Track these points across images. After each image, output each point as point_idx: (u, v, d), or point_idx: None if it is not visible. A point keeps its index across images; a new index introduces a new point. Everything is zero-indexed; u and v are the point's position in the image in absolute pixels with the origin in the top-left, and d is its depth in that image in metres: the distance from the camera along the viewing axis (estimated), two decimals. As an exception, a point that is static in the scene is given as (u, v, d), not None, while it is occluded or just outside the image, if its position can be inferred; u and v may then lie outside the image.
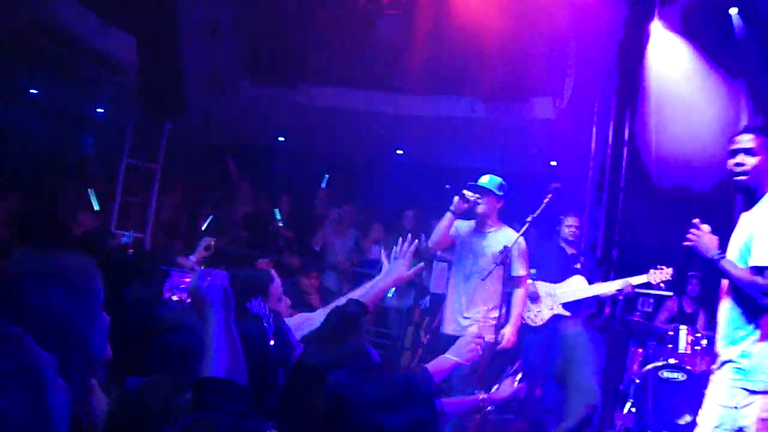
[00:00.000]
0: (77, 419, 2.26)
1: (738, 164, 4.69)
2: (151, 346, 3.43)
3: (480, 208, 7.48)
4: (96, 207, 10.57)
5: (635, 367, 9.87)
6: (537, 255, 9.10)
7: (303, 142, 13.98)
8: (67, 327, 2.23)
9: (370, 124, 12.32)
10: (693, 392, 8.77)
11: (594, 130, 11.13)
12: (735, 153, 4.72)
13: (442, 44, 11.34)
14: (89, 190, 10.77)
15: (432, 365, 4.02)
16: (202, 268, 5.49)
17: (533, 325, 8.68)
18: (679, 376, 8.95)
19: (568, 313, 8.61)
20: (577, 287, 8.69)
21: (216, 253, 7.72)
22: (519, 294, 7.65)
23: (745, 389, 4.57)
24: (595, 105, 11.13)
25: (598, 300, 9.15)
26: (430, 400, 2.14)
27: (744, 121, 10.50)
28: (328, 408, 2.18)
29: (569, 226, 8.93)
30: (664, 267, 8.34)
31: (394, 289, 10.91)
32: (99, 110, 13.23)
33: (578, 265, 8.80)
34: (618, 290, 8.53)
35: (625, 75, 11.03)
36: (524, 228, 7.42)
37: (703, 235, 4.74)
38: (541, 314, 8.68)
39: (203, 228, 11.44)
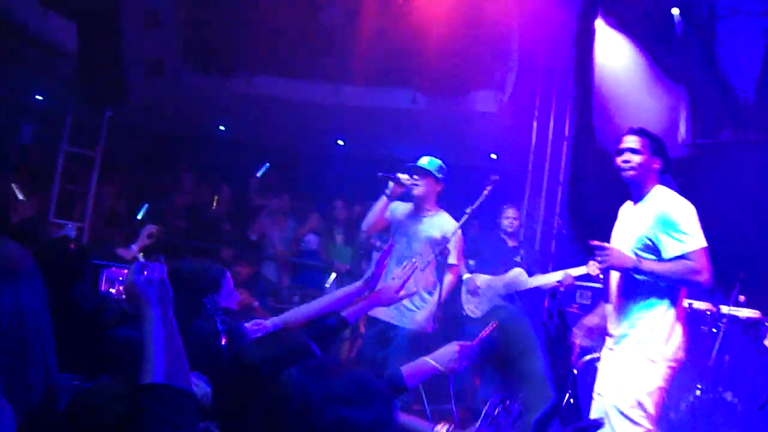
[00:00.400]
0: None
1: (625, 161, 5.16)
2: (93, 345, 3.31)
3: (417, 190, 7.31)
4: (20, 196, 10.33)
5: (573, 358, 9.98)
6: (477, 247, 9.17)
7: (244, 131, 13.91)
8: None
9: (311, 114, 12.28)
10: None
11: (535, 124, 11.25)
12: (622, 152, 5.20)
13: (384, 35, 11.35)
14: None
15: (409, 367, 3.94)
16: (141, 258, 5.42)
17: (473, 316, 8.75)
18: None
19: (507, 305, 8.69)
20: (516, 279, 8.75)
21: (156, 242, 7.63)
22: (448, 280, 7.52)
23: (646, 359, 4.99)
24: (536, 99, 11.25)
25: (537, 292, 9.22)
26: (389, 401, 2.11)
27: (683, 117, 10.72)
28: (280, 405, 2.05)
29: (508, 217, 8.99)
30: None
31: (334, 277, 10.94)
32: (38, 97, 13.00)
33: (518, 258, 8.86)
34: (558, 282, 8.59)
35: (567, 70, 11.17)
36: (463, 219, 7.38)
37: (611, 252, 4.99)
38: (481, 306, 8.74)
39: (139, 217, 11.29)
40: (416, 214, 7.47)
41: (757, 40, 10.78)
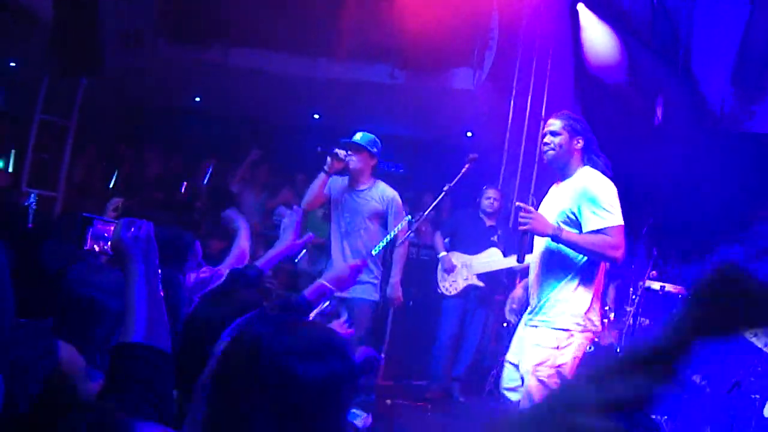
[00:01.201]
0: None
1: (545, 143, 5.42)
2: (57, 298, 3.24)
3: (353, 164, 7.32)
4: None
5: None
6: (454, 225, 9.21)
7: (219, 103, 13.81)
8: None
9: (288, 87, 12.23)
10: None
11: (512, 103, 11.25)
12: (545, 135, 5.47)
13: (363, 9, 11.29)
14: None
15: (307, 290, 4.02)
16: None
17: (448, 294, 8.80)
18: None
19: (482, 284, 8.73)
20: (492, 259, 8.79)
21: (126, 213, 7.56)
22: (400, 251, 7.58)
23: (564, 330, 5.18)
24: (514, 78, 11.24)
25: (510, 271, 9.26)
26: (347, 356, 2.09)
27: (659, 102, 10.80)
28: (240, 358, 1.99)
29: (488, 198, 9.02)
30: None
31: (304, 252, 10.91)
32: (11, 64, 12.84)
33: (495, 238, 8.89)
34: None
35: (546, 50, 11.18)
36: (440, 197, 7.44)
37: (534, 216, 5.14)
38: (456, 284, 8.79)
39: (111, 185, 11.20)
40: (353, 188, 7.49)
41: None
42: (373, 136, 7.46)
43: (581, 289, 5.21)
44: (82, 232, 2.98)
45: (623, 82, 10.99)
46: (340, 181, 7.51)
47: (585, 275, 5.21)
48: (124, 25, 10.17)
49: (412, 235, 7.64)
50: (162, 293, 2.49)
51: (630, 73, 11.06)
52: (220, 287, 3.97)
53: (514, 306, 8.43)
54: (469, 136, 13.21)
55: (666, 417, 7.99)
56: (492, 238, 8.87)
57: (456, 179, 7.35)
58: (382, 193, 7.49)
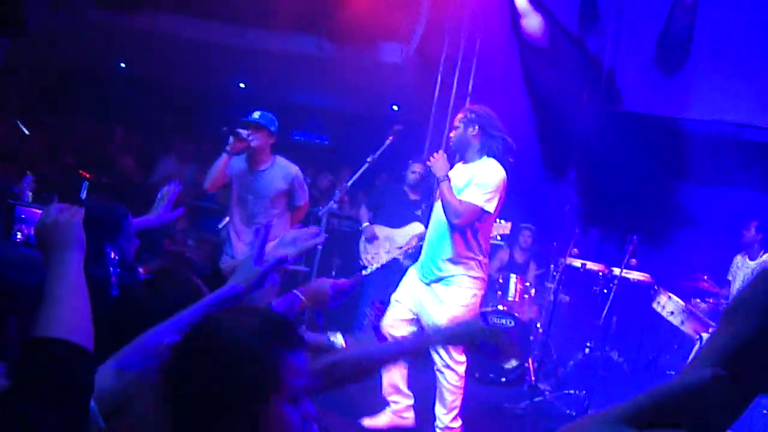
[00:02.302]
0: None
1: (449, 137, 6.74)
2: None
3: (254, 143, 7.25)
4: None
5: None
6: (378, 198, 9.23)
7: (146, 70, 13.60)
8: None
9: (214, 55, 12.08)
10: (520, 338, 9.14)
11: (439, 78, 11.28)
12: (451, 129, 6.72)
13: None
14: None
15: (278, 301, 3.89)
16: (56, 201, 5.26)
17: (369, 266, 8.81)
18: (507, 322, 9.27)
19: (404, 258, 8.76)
20: (415, 232, 8.82)
21: (43, 180, 7.42)
22: (299, 211, 7.65)
23: (458, 286, 6.32)
24: (442, 54, 11.26)
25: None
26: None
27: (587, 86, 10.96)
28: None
29: (414, 171, 9.05)
30: (502, 220, 8.52)
31: (227, 220, 10.84)
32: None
33: (419, 212, 8.92)
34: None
35: (476, 27, 11.23)
36: (364, 167, 7.44)
37: (439, 159, 6.34)
38: (378, 257, 8.81)
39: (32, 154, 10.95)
40: (255, 168, 7.43)
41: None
42: (272, 114, 7.42)
43: (472, 253, 6.36)
44: (9, 221, 2.80)
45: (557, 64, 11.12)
46: (238, 162, 7.44)
47: (475, 242, 6.36)
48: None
49: (334, 206, 7.66)
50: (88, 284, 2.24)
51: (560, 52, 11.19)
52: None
53: (410, 251, 8.60)
54: (395, 110, 13.22)
55: (584, 392, 8.13)
56: (416, 212, 8.90)
57: (380, 151, 7.38)
58: (285, 170, 7.47)
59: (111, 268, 3.02)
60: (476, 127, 6.36)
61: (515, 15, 10.99)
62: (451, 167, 6.39)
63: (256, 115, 7.33)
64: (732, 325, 1.13)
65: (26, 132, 11.41)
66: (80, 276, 2.20)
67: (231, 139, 7.17)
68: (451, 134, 6.59)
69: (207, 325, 2.02)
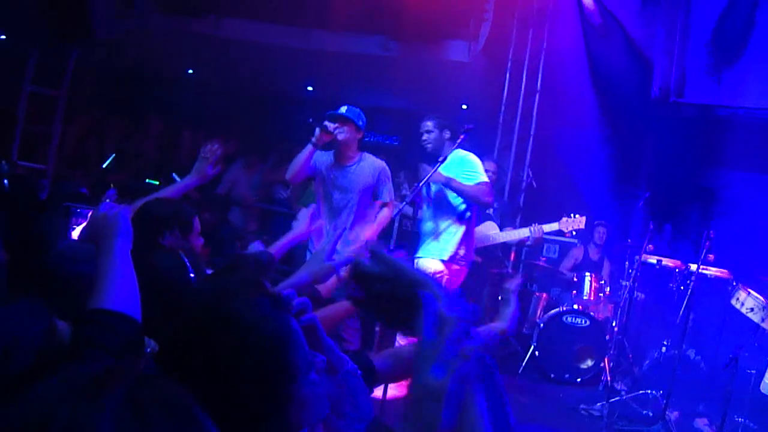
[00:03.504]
0: None
1: (423, 140, 7.66)
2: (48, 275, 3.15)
3: (341, 137, 7.20)
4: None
5: (539, 311, 10.04)
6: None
7: (212, 74, 13.68)
8: None
9: (280, 59, 12.11)
10: (595, 337, 9.00)
11: (507, 76, 11.19)
12: (421, 135, 7.66)
13: (356, -21, 11.16)
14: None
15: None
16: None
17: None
18: (582, 322, 9.15)
19: (479, 259, 8.67)
20: (488, 233, 8.74)
21: (121, 188, 7.48)
22: (383, 213, 7.49)
23: (441, 260, 7.47)
24: (509, 51, 11.18)
25: (505, 245, 9.23)
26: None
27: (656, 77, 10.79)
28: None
29: (488, 171, 8.94)
30: (577, 215, 8.41)
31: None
32: (1, 36, 12.66)
33: (490, 211, 8.84)
34: (528, 236, 8.62)
35: (542, 24, 11.12)
36: (437, 167, 7.39)
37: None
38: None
39: (105, 166, 11.07)
40: (341, 164, 7.40)
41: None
42: (358, 109, 7.38)
43: (458, 230, 7.54)
44: (66, 222, 2.97)
45: (623, 56, 10.97)
46: (325, 157, 7.42)
47: (462, 222, 7.55)
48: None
49: (407, 207, 7.60)
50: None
51: (628, 48, 11.04)
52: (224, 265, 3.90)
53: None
54: (464, 109, 13.13)
55: (661, 392, 7.96)
56: (487, 211, 8.81)
57: (451, 150, 7.33)
58: (372, 164, 7.44)
59: (180, 255, 3.19)
60: (448, 132, 7.60)
61: (582, 8, 10.88)
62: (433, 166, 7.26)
63: (343, 108, 7.29)
64: None
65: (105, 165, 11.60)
66: (126, 259, 2.47)
67: (317, 131, 7.14)
68: (426, 140, 7.64)
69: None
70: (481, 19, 10.86)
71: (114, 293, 2.33)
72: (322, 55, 11.74)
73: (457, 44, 11.10)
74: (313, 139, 7.17)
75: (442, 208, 7.58)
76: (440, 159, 7.30)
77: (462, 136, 7.37)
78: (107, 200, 6.16)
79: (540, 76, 11.14)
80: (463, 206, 7.53)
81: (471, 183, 7.32)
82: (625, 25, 11.08)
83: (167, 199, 4.50)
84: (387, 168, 7.52)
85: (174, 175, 10.95)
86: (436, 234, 7.61)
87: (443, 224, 7.57)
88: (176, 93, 12.99)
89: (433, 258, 7.52)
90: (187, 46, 12.13)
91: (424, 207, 7.76)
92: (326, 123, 7.13)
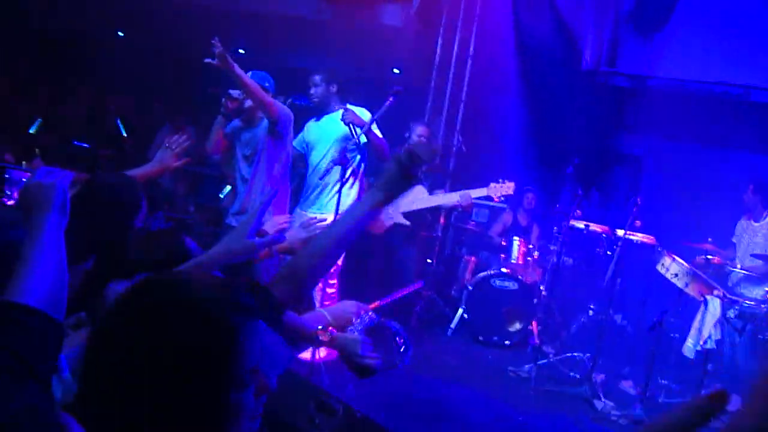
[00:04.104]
0: None
1: (311, 94, 7.82)
2: None
3: (247, 103, 7.14)
4: None
5: (468, 275, 10.12)
6: (377, 163, 9.14)
7: (141, 37, 13.44)
8: None
9: (212, 21, 11.90)
10: (523, 301, 9.10)
11: (439, 40, 11.18)
12: (309, 87, 7.85)
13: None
14: None
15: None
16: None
17: (374, 233, 8.74)
18: (511, 285, 9.24)
19: (407, 222, 8.69)
20: (417, 197, 8.75)
21: (48, 152, 7.35)
22: None
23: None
24: (442, 17, 11.16)
25: (435, 208, 9.26)
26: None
27: (588, 45, 10.88)
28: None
29: (420, 135, 8.92)
30: (506, 181, 8.46)
31: (229, 189, 10.76)
32: None
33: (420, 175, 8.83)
34: (457, 201, 8.65)
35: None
36: (364, 129, 7.39)
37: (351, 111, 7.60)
38: (381, 223, 8.73)
39: (32, 131, 10.85)
40: (249, 126, 7.36)
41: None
42: (264, 72, 7.32)
43: (351, 192, 7.70)
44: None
45: (550, 25, 11.03)
46: (238, 123, 7.38)
47: (354, 184, 7.75)
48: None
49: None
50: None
51: (555, 18, 11.10)
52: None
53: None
54: (396, 73, 13.11)
55: (588, 355, 8.09)
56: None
57: (380, 112, 7.33)
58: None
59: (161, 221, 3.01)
60: (335, 86, 7.83)
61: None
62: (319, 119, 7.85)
63: (248, 74, 7.23)
64: None
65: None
66: (56, 240, 2.14)
67: (224, 100, 7.10)
68: (314, 94, 7.82)
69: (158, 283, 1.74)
70: (414, -17, 10.84)
71: (37, 284, 1.98)
72: (254, 17, 11.61)
73: (391, 8, 11.06)
74: (222, 109, 7.15)
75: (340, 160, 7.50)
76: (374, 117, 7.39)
77: (391, 99, 7.34)
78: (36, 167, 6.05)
79: (473, 42, 11.14)
80: (359, 158, 7.86)
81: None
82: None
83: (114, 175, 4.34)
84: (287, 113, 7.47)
85: (118, 120, 10.85)
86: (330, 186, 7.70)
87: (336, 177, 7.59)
88: (105, 56, 12.76)
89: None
90: (118, 8, 11.90)
91: (316, 158, 7.87)
92: (230, 91, 7.08)
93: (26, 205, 2.20)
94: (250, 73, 7.18)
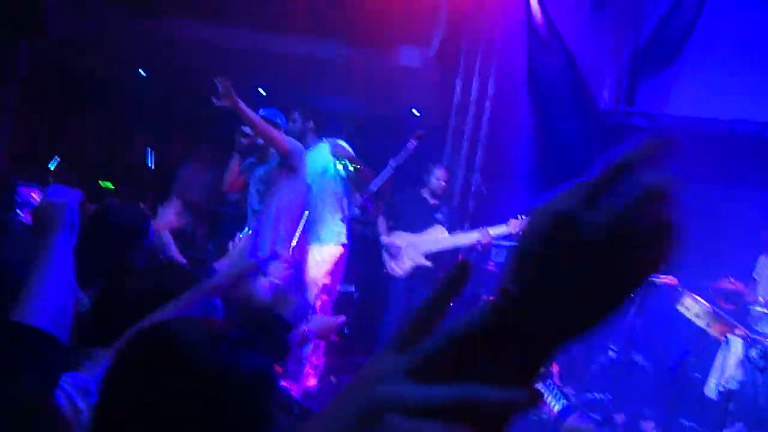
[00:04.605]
0: None
1: (288, 129, 7.75)
2: None
3: (260, 140, 7.33)
4: None
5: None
6: (398, 206, 9.16)
7: (164, 76, 13.57)
8: None
9: (232, 61, 12.03)
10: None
11: (458, 81, 11.25)
12: (288, 122, 7.97)
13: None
14: None
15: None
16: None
17: (395, 275, 8.76)
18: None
19: (429, 263, 8.71)
20: (437, 237, 8.78)
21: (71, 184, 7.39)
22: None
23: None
24: (461, 57, 11.24)
25: (454, 249, 9.28)
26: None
27: (607, 83, 10.92)
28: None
29: (438, 178, 8.97)
30: (524, 217, 8.48)
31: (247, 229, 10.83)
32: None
33: (440, 215, 8.88)
34: (477, 240, 8.68)
35: (494, 30, 11.21)
36: (387, 171, 7.47)
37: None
38: (403, 265, 8.76)
39: (52, 167, 10.94)
40: (264, 161, 7.50)
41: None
42: (274, 108, 7.44)
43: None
44: (10, 198, 2.80)
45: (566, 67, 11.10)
46: (252, 160, 7.45)
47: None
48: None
49: (357, 211, 7.66)
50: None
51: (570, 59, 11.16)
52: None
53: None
54: (416, 114, 13.19)
55: (608, 396, 8.07)
56: (436, 216, 8.85)
57: (403, 155, 7.39)
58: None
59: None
60: (311, 122, 8.10)
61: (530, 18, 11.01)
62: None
63: (261, 111, 7.36)
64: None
65: (151, 165, 11.55)
66: (65, 261, 2.14)
67: (237, 137, 7.19)
68: (289, 126, 7.85)
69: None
70: (434, 25, 10.91)
71: (44, 305, 1.98)
72: (275, 57, 11.72)
73: (410, 50, 11.15)
74: (236, 146, 7.23)
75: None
76: (392, 164, 7.42)
77: (413, 142, 7.42)
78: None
79: (491, 83, 11.21)
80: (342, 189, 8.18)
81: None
82: (571, 36, 11.16)
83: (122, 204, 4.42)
84: (300, 149, 7.63)
85: (149, 150, 10.96)
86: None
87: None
88: (127, 93, 12.88)
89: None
90: (140, 46, 12.03)
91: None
92: (242, 128, 7.17)
93: (37, 224, 2.23)
94: (262, 110, 7.28)
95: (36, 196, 2.74)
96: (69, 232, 2.20)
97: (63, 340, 1.98)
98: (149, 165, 11.93)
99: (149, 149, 11.87)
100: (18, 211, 3.10)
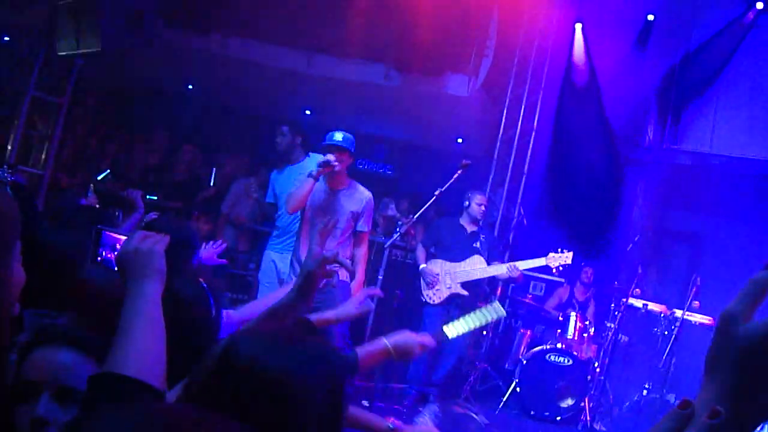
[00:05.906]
0: None
1: (277, 142, 8.29)
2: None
3: (338, 168, 7.25)
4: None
5: (523, 348, 10.10)
6: (436, 234, 9.17)
7: (212, 92, 13.73)
8: None
9: (280, 81, 12.17)
10: (577, 377, 9.05)
11: (504, 113, 11.29)
12: (276, 135, 8.34)
13: (362, 7, 11.23)
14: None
15: (365, 350, 3.64)
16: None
17: (432, 303, 8.77)
18: (565, 361, 9.20)
19: (465, 293, 8.71)
20: (476, 267, 8.79)
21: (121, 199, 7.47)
22: (362, 251, 7.66)
23: None
24: (508, 89, 11.29)
25: (492, 280, 9.29)
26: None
27: (651, 121, 10.91)
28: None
29: (479, 203, 8.98)
30: (564, 250, 8.48)
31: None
32: (5, 38, 12.68)
33: (477, 244, 8.89)
34: (505, 273, 8.67)
35: (542, 64, 11.26)
36: (432, 201, 7.48)
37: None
38: (439, 292, 8.76)
39: (100, 178, 11.07)
40: (333, 188, 7.48)
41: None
42: (351, 135, 7.44)
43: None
44: (95, 245, 2.78)
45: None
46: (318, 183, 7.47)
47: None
48: (126, 4, 10.03)
49: (397, 238, 7.68)
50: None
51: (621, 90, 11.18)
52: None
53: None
54: (460, 143, 13.23)
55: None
56: (474, 245, 8.87)
57: (448, 184, 7.41)
58: (362, 193, 7.55)
59: (201, 282, 2.93)
60: (299, 137, 8.22)
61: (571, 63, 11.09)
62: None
63: (338, 136, 7.33)
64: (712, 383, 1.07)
65: (213, 183, 11.81)
66: (157, 309, 2.09)
67: (317, 165, 7.17)
68: (280, 143, 8.23)
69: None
70: (482, 55, 10.96)
71: (139, 355, 1.94)
72: (323, 80, 11.80)
73: (457, 78, 11.18)
74: (313, 173, 7.21)
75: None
76: (437, 193, 7.47)
77: (459, 172, 7.45)
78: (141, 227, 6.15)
79: (537, 114, 11.26)
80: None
81: None
82: (612, 76, 11.18)
83: (171, 218, 4.43)
84: (372, 199, 7.65)
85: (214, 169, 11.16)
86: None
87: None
88: (176, 108, 13.04)
89: None
90: (190, 62, 12.18)
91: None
92: (329, 157, 7.16)
93: (125, 271, 2.15)
94: (340, 135, 7.32)
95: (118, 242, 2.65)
96: (159, 280, 2.15)
97: (159, 389, 1.94)
98: (212, 182, 12.13)
99: (214, 168, 12.07)
100: (102, 252, 3.07)
